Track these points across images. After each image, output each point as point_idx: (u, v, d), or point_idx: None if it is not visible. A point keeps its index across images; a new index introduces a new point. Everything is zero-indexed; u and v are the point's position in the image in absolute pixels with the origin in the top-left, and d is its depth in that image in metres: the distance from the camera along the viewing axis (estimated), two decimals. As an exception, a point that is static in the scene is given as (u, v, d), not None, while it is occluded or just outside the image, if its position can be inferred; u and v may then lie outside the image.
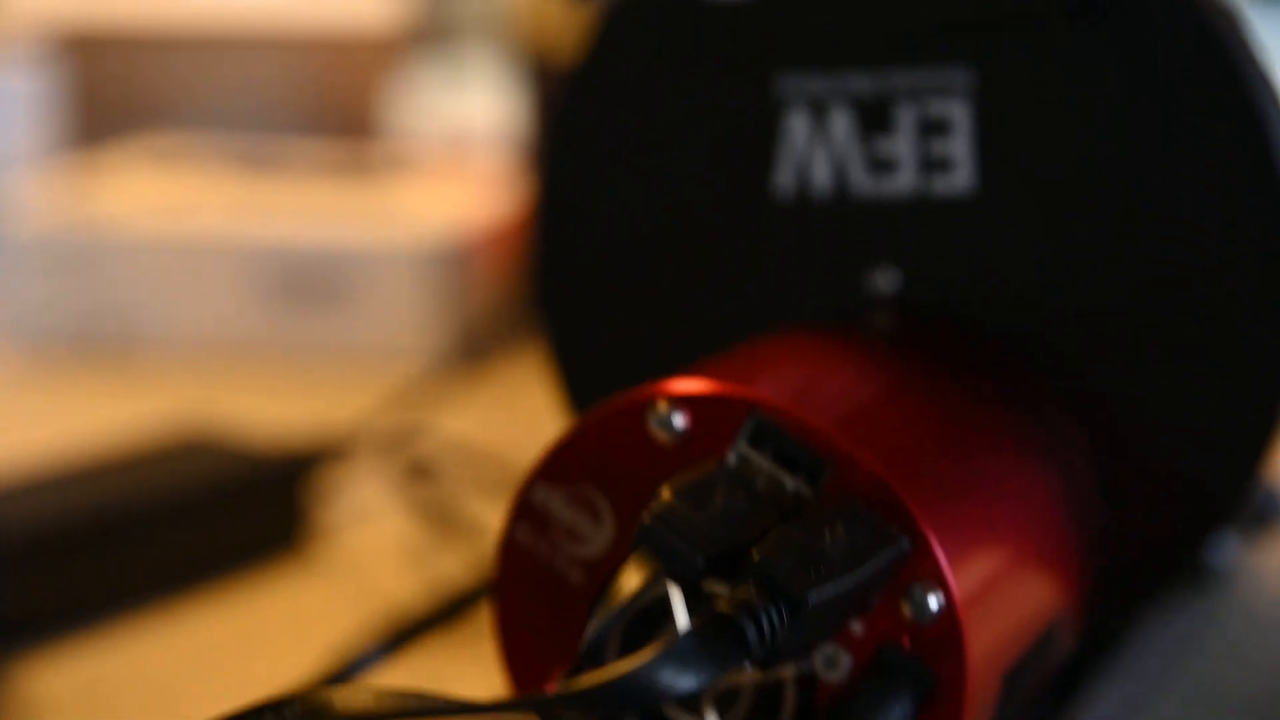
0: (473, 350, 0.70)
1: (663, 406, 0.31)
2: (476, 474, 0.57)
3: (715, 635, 0.27)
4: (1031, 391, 0.36)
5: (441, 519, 0.54)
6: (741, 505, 0.29)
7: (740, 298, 0.38)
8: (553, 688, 0.33)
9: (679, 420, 0.31)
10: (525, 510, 0.32)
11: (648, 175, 0.39)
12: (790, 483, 0.30)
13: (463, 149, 1.16)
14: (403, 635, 0.39)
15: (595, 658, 0.29)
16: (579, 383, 0.41)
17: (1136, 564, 0.37)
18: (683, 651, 0.27)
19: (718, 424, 0.30)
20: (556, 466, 0.32)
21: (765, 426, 0.30)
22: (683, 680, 0.27)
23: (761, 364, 0.33)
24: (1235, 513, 0.36)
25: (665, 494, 0.29)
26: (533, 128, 0.68)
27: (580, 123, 0.40)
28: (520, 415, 0.64)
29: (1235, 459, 0.36)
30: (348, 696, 0.27)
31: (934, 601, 0.29)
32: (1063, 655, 0.35)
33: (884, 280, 0.37)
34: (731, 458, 0.30)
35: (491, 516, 0.53)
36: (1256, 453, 0.36)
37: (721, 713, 0.31)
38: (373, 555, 0.53)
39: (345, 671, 0.38)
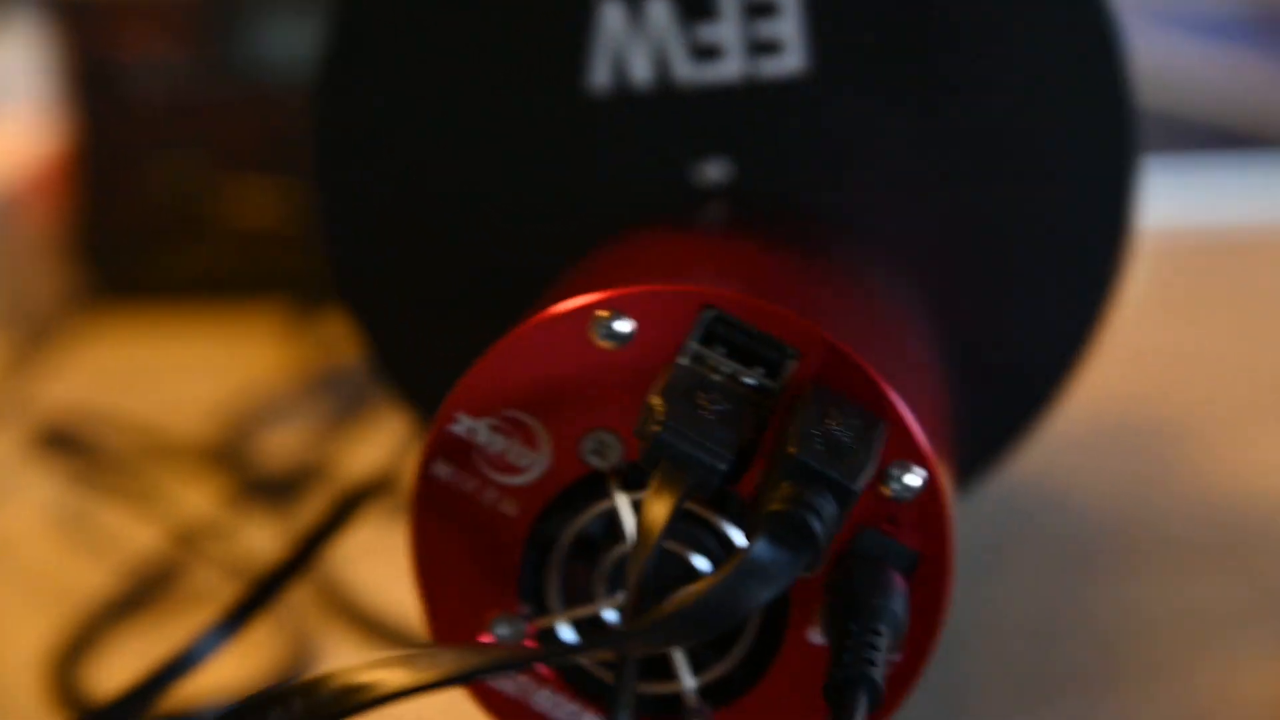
0: (31, 315, 0.64)
1: (605, 312, 0.29)
2: (110, 438, 0.52)
3: (785, 537, 0.26)
4: (887, 268, 0.36)
5: (96, 486, 0.49)
6: (725, 405, 0.28)
7: (564, 202, 0.37)
8: (484, 635, 0.30)
9: (624, 325, 0.29)
10: (445, 444, 0.30)
11: (445, 86, 0.36)
12: (749, 377, 0.29)
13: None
14: (243, 609, 0.35)
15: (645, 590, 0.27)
16: (395, 319, 0.38)
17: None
18: (761, 560, 0.25)
19: (665, 325, 0.29)
20: (479, 393, 0.30)
21: (722, 321, 0.29)
22: (764, 590, 0.26)
23: (672, 261, 0.32)
24: (1057, 401, 0.37)
25: (658, 403, 0.28)
26: (68, 69, 0.62)
27: (361, 38, 0.37)
28: (120, 381, 0.59)
29: (1062, 345, 0.37)
30: (377, 675, 0.25)
31: (915, 479, 0.29)
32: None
33: (716, 170, 0.36)
34: (684, 359, 0.29)
35: (142, 478, 0.49)
36: (1082, 338, 0.37)
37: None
38: (28, 536, 0.48)
39: (186, 660, 0.34)
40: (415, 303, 0.38)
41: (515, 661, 0.28)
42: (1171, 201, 0.75)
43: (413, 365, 0.38)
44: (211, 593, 0.44)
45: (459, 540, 0.30)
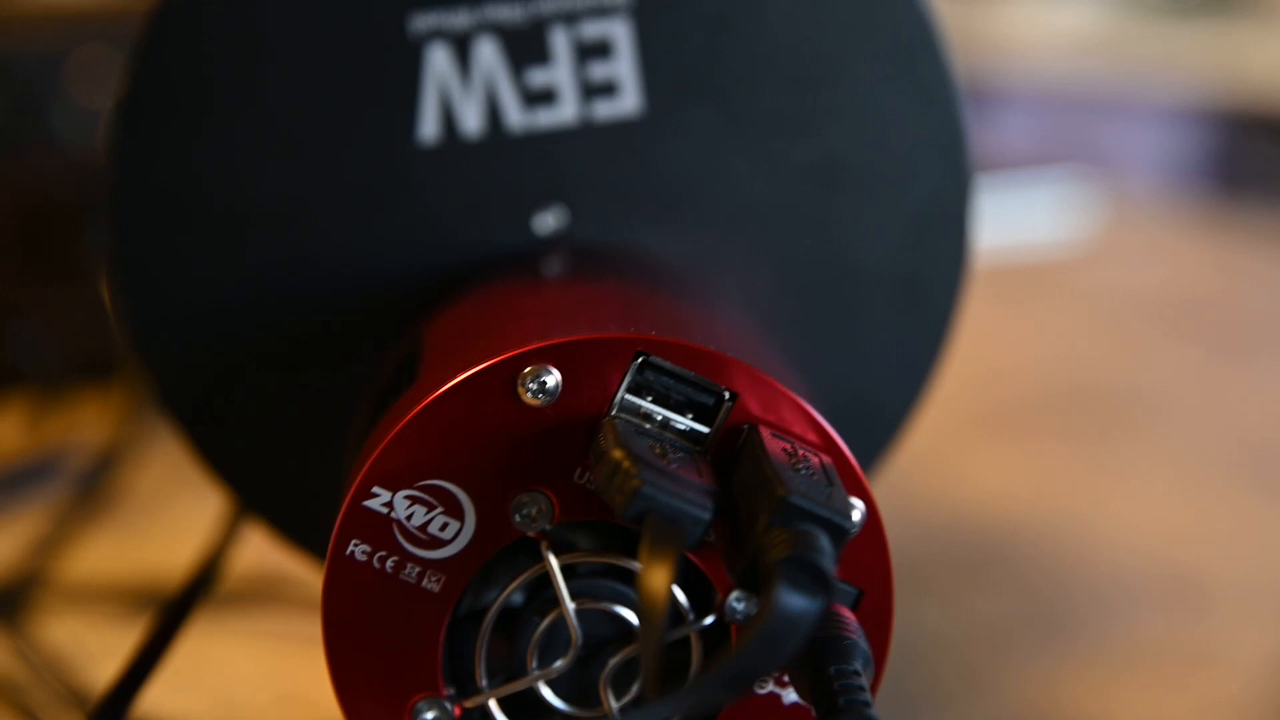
0: None
1: (531, 368, 0.28)
2: None
3: (800, 583, 0.25)
4: (739, 311, 0.35)
5: None
6: (679, 454, 0.27)
7: (400, 259, 0.34)
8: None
9: (552, 379, 0.28)
10: (360, 521, 0.28)
11: (263, 144, 0.34)
12: (682, 423, 0.28)
13: None
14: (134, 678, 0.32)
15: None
16: (216, 398, 0.35)
17: None
18: (790, 610, 0.24)
19: (592, 376, 0.28)
20: (396, 464, 0.28)
21: (651, 368, 0.28)
22: (795, 639, 0.25)
23: (571, 313, 0.31)
24: (905, 431, 0.37)
25: (620, 456, 0.26)
26: None
27: (164, 88, 0.34)
28: None
29: (907, 379, 0.37)
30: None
31: (858, 514, 0.28)
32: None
33: (552, 219, 0.35)
34: (613, 411, 0.28)
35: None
36: (926, 372, 0.37)
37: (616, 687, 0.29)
38: None
39: None
40: (232, 374, 0.35)
41: None
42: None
43: (239, 448, 0.35)
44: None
45: (377, 623, 0.28)
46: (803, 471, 0.27)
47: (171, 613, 0.34)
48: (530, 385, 0.27)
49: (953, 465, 0.56)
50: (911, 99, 0.35)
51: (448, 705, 0.28)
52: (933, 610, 0.46)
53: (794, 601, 0.24)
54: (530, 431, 0.28)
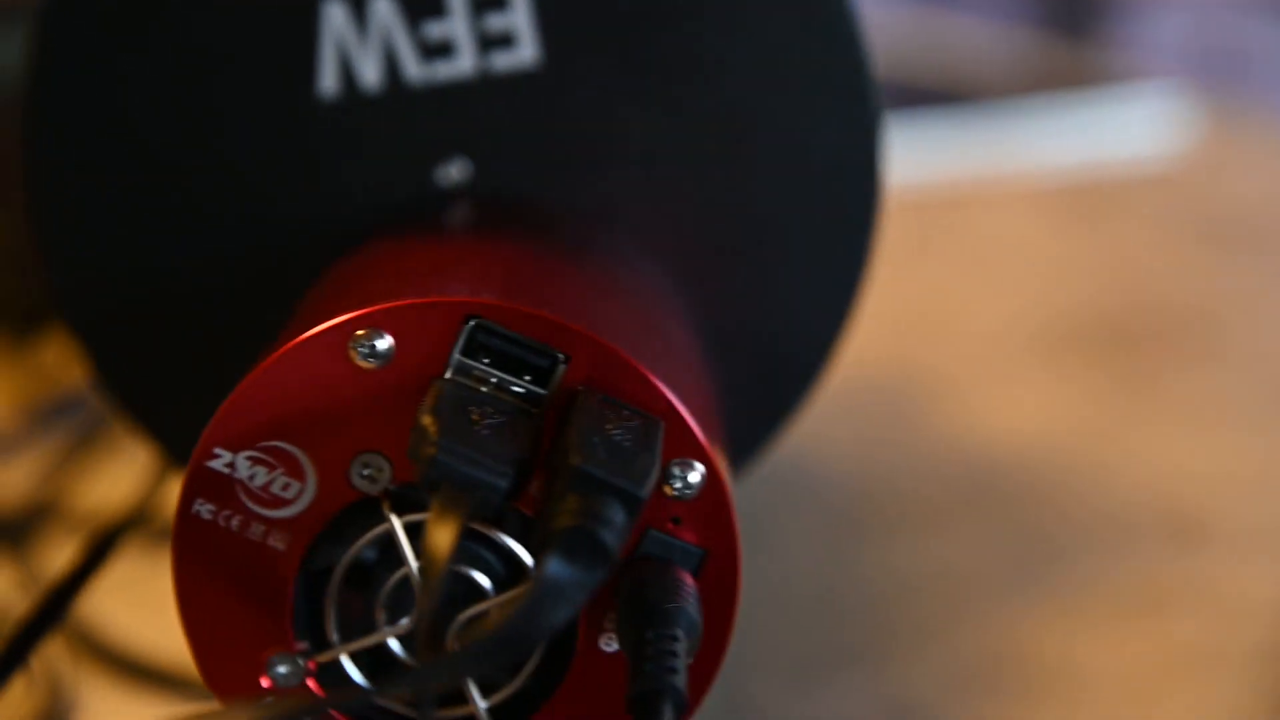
0: None
1: (364, 331, 0.28)
2: None
3: (577, 553, 0.25)
4: (641, 261, 0.35)
5: None
6: (498, 419, 0.27)
7: (302, 214, 0.35)
8: (263, 677, 0.29)
9: (384, 342, 0.28)
10: (204, 481, 0.28)
11: (165, 95, 0.35)
12: (518, 386, 0.28)
13: None
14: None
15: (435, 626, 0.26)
16: (123, 345, 0.36)
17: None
18: (557, 579, 0.25)
19: (426, 339, 0.28)
20: (236, 426, 0.28)
21: (484, 331, 0.28)
22: (564, 610, 0.25)
23: (425, 272, 0.31)
24: (822, 376, 0.37)
25: (429, 422, 0.26)
26: None
27: (70, 44, 0.35)
28: None
29: (818, 329, 0.36)
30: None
31: (696, 476, 0.28)
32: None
33: (458, 171, 0.35)
34: (449, 373, 0.28)
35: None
36: (840, 319, 0.36)
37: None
38: None
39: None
40: (144, 325, 0.36)
41: (306, 711, 0.26)
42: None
43: (146, 394, 0.36)
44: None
45: (227, 580, 0.29)
46: (616, 437, 0.27)
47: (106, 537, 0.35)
48: (361, 349, 0.28)
49: (975, 395, 0.56)
50: (811, 40, 0.35)
51: (300, 660, 0.29)
52: (901, 551, 0.46)
53: (561, 572, 0.25)
54: (366, 394, 0.28)
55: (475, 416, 0.27)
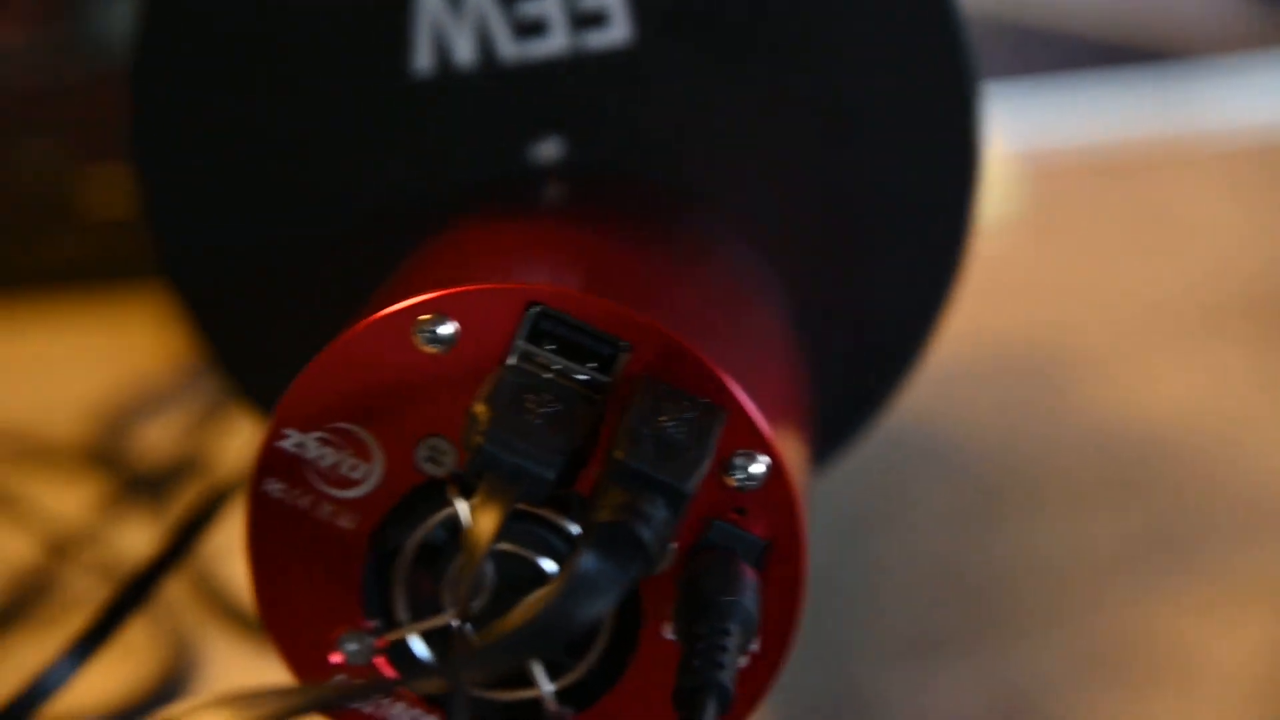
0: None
1: (427, 316, 0.28)
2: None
3: (612, 548, 0.25)
4: (731, 244, 0.35)
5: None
6: (555, 407, 0.27)
7: (397, 191, 0.35)
8: (335, 655, 0.30)
9: (447, 328, 0.28)
10: (274, 461, 0.29)
11: (265, 71, 0.35)
12: (582, 373, 0.28)
13: None
14: (94, 634, 0.34)
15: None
16: (225, 313, 0.37)
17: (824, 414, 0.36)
18: (589, 574, 0.25)
19: (491, 325, 0.28)
20: (305, 407, 0.29)
21: (547, 318, 0.28)
22: (597, 604, 0.25)
23: (498, 255, 0.31)
24: (915, 368, 0.36)
25: (482, 410, 0.26)
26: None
27: (175, 20, 0.35)
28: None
29: (918, 312, 0.36)
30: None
31: (759, 468, 0.28)
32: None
33: (549, 149, 0.35)
34: (513, 359, 0.28)
35: (15, 485, 0.48)
36: (939, 303, 0.36)
37: None
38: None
39: (38, 689, 0.33)
40: (245, 295, 0.36)
41: (344, 697, 0.27)
42: (1052, 121, 0.74)
43: (247, 362, 0.37)
44: (90, 600, 0.43)
45: (298, 557, 0.29)
46: (669, 429, 0.26)
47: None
48: (424, 333, 0.28)
49: (1135, 369, 0.54)
50: (908, 16, 0.34)
51: (369, 638, 0.30)
52: (1040, 528, 0.45)
53: (594, 566, 0.24)
54: (430, 378, 0.28)
55: (530, 404, 0.27)
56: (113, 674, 0.39)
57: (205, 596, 0.43)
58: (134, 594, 0.34)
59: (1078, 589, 0.43)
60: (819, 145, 0.35)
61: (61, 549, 0.45)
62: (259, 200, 0.36)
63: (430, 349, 0.28)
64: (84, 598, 0.43)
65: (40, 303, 0.62)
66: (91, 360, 0.57)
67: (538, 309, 0.28)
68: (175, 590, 0.43)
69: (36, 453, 0.51)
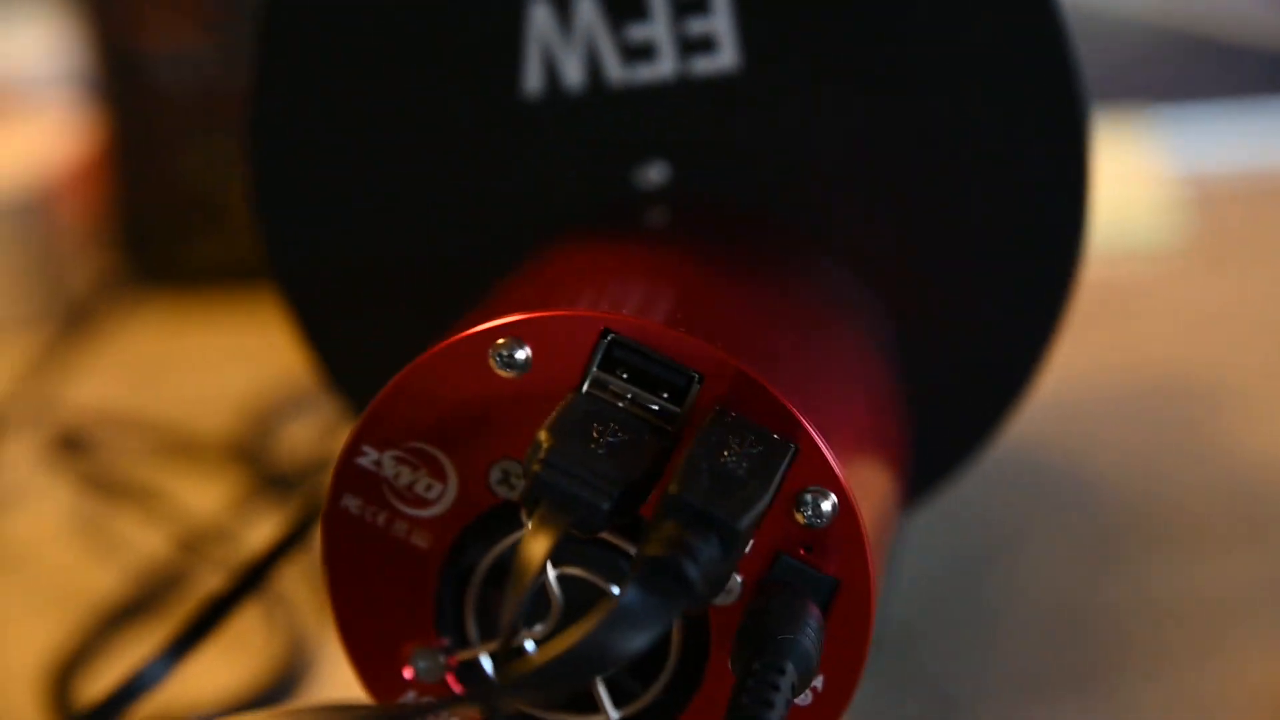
0: (70, 308, 0.64)
1: (503, 340, 0.28)
2: (132, 438, 0.53)
3: (657, 582, 0.25)
4: (833, 272, 0.35)
5: (109, 490, 0.49)
6: (621, 437, 0.27)
7: (502, 210, 0.36)
8: (407, 670, 0.30)
9: (522, 353, 0.28)
10: (351, 477, 0.29)
11: (377, 89, 0.36)
12: (654, 403, 0.28)
13: (14, 91, 1.06)
14: (194, 631, 0.35)
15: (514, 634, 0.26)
16: (328, 318, 0.37)
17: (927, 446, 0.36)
18: (630, 607, 0.25)
19: (563, 352, 0.28)
20: (384, 425, 0.29)
21: (621, 346, 0.28)
22: (637, 638, 0.25)
23: (581, 281, 0.31)
24: (1022, 398, 0.36)
25: (544, 438, 0.27)
26: (95, 60, 0.63)
27: (291, 38, 0.36)
28: (151, 373, 0.60)
29: (1025, 342, 0.35)
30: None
31: (829, 505, 0.28)
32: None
33: (654, 173, 0.35)
34: (585, 386, 0.28)
35: (160, 479, 0.49)
36: (1047, 333, 0.35)
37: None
38: (42, 541, 0.48)
39: (136, 685, 0.34)
40: (351, 304, 0.37)
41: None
42: (1215, 145, 0.72)
43: (353, 371, 0.37)
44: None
45: (373, 573, 0.30)
46: (730, 464, 0.26)
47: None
48: (499, 357, 0.28)
49: (1272, 411, 0.53)
50: (1019, 47, 0.33)
51: (440, 656, 0.30)
52: (1157, 571, 0.44)
53: (636, 600, 0.24)
54: (505, 402, 0.28)
55: (596, 433, 0.27)
56: (228, 668, 0.39)
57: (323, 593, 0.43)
58: (242, 588, 0.34)
59: (1195, 634, 0.42)
60: (925, 173, 0.34)
61: (194, 544, 0.46)
62: (370, 216, 0.36)
63: (505, 373, 0.28)
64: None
65: (199, 301, 0.64)
66: (243, 359, 0.59)
67: (611, 337, 0.28)
68: (295, 587, 0.43)
69: (183, 447, 0.52)
